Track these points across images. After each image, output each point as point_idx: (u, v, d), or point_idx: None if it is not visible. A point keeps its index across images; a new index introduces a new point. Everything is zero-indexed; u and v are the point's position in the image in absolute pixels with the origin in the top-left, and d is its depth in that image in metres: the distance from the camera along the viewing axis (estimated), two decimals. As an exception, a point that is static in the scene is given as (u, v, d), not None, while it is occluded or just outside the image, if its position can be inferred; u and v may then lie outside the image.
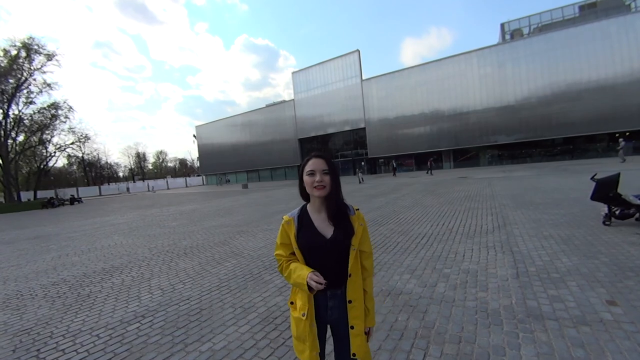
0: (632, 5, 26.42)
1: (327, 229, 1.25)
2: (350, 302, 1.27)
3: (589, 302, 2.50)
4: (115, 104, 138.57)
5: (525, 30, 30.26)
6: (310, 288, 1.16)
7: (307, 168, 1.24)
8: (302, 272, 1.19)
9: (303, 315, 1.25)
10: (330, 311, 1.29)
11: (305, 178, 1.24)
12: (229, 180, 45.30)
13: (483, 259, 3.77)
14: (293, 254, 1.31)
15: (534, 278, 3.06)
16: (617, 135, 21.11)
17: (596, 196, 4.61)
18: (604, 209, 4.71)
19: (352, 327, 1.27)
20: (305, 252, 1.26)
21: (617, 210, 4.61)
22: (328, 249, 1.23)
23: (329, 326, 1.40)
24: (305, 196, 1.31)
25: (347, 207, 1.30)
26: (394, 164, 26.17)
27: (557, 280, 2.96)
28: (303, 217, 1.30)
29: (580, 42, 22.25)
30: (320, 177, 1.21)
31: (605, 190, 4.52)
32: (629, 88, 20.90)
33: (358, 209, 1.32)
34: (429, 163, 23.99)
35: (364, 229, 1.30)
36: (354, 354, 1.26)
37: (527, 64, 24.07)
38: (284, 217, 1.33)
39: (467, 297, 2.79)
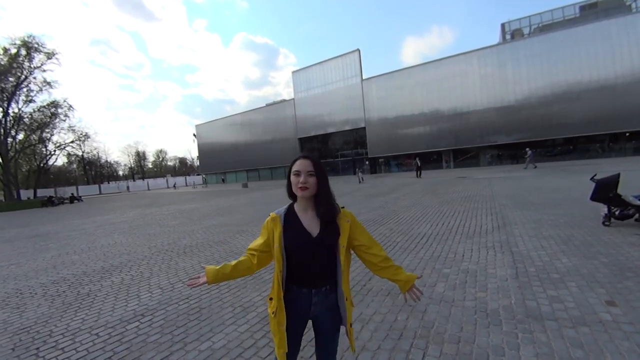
0: (633, 5, 26.40)
1: (314, 228, 1.27)
2: (347, 299, 1.30)
3: (588, 302, 2.50)
4: (114, 103, 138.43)
5: (526, 30, 30.23)
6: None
7: (294, 168, 1.26)
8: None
9: (273, 314, 1.27)
10: (313, 307, 1.30)
11: (292, 178, 1.26)
12: (224, 180, 45.22)
13: (482, 259, 3.77)
14: (265, 251, 1.35)
15: (533, 278, 3.06)
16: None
17: (596, 197, 4.61)
18: (603, 209, 4.71)
19: (351, 325, 1.33)
20: (291, 250, 1.27)
21: (616, 210, 4.60)
22: (314, 248, 1.25)
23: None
24: (292, 195, 1.33)
25: (335, 208, 1.31)
26: (418, 163, 20.51)
27: (557, 280, 2.97)
28: (290, 216, 1.31)
29: (580, 42, 22.22)
30: (305, 178, 1.22)
31: (605, 191, 4.51)
32: (629, 88, 20.89)
33: (343, 207, 1.34)
34: None
35: (351, 224, 1.30)
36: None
37: (528, 64, 24.04)
38: (271, 214, 1.34)
39: (467, 297, 2.80)
